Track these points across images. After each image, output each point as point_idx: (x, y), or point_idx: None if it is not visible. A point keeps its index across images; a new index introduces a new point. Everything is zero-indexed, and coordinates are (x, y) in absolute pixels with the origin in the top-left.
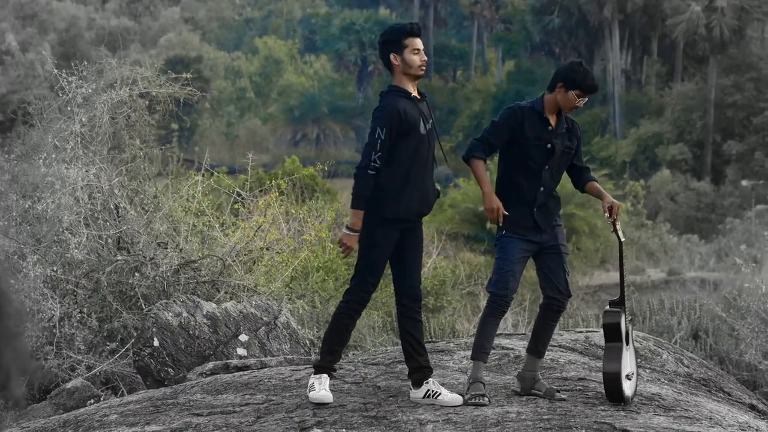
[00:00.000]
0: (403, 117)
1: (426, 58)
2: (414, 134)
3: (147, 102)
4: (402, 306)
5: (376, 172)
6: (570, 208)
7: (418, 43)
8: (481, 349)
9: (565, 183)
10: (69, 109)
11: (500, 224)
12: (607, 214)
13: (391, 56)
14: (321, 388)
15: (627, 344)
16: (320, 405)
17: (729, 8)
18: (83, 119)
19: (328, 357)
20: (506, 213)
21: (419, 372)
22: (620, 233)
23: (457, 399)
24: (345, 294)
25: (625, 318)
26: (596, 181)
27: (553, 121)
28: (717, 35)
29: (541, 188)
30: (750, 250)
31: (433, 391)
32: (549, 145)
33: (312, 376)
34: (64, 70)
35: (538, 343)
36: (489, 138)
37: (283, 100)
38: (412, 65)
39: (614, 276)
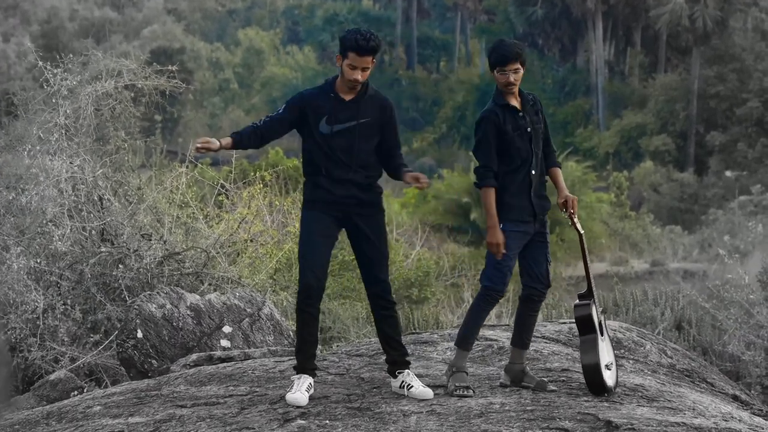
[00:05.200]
0: (302, 108)
1: (359, 78)
2: (313, 130)
3: (132, 94)
4: (372, 301)
5: (258, 126)
6: (553, 200)
7: (360, 61)
8: (467, 339)
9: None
10: (54, 101)
11: (498, 258)
12: (563, 210)
13: (337, 56)
14: (296, 390)
15: (602, 335)
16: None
17: None
18: (68, 111)
19: (299, 356)
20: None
21: (394, 365)
22: (579, 226)
23: (427, 393)
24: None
25: (597, 309)
26: (560, 167)
27: (518, 104)
28: (700, 26)
29: (533, 172)
30: (733, 240)
31: (406, 383)
32: (528, 129)
33: (294, 375)
34: (48, 62)
35: (523, 335)
36: (490, 159)
37: (266, 91)
38: (344, 75)
39: (598, 267)
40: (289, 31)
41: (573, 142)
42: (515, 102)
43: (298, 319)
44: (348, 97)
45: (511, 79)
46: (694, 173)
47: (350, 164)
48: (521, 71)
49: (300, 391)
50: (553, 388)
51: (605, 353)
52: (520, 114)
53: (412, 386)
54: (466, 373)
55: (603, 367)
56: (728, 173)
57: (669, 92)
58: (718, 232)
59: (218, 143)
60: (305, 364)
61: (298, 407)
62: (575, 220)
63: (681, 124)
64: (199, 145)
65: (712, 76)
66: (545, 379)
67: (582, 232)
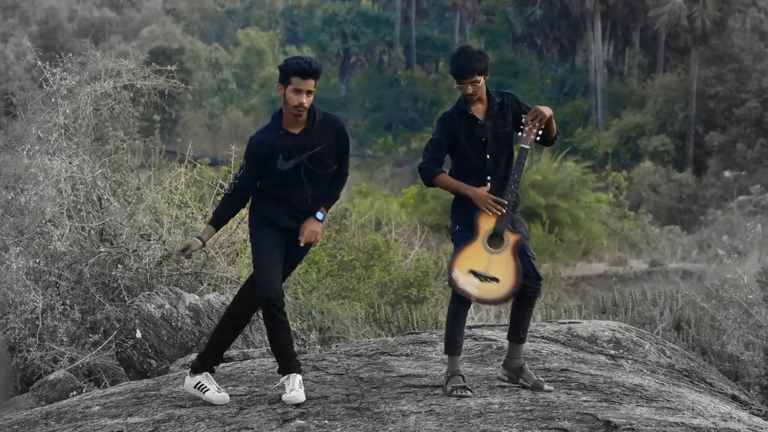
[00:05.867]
0: (257, 156)
1: (304, 102)
2: (272, 167)
3: (131, 94)
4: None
5: (233, 195)
6: (552, 200)
7: (303, 84)
8: (454, 344)
9: (548, 174)
10: (53, 100)
11: (503, 211)
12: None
13: (278, 86)
14: (291, 389)
15: (499, 247)
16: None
17: None
18: (67, 111)
19: (281, 360)
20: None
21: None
22: (528, 138)
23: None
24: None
25: (505, 217)
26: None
27: (480, 112)
28: (699, 26)
29: (488, 177)
30: (732, 241)
31: (202, 386)
32: (483, 139)
33: (282, 378)
34: (47, 62)
35: (519, 330)
36: (435, 155)
37: (265, 91)
38: (288, 102)
39: (597, 267)
40: (288, 31)
41: (572, 143)
42: (479, 107)
43: (272, 330)
44: (297, 130)
45: (470, 91)
46: (692, 173)
47: (306, 194)
48: (480, 82)
49: (294, 389)
50: (550, 388)
51: (481, 260)
52: (479, 122)
53: (208, 390)
54: (462, 377)
55: (465, 272)
56: (727, 173)
57: (668, 92)
58: (716, 232)
59: (200, 242)
60: (289, 365)
61: (297, 406)
62: (529, 130)
63: (680, 124)
64: (182, 256)
65: (711, 77)
66: (543, 380)
67: (527, 147)
